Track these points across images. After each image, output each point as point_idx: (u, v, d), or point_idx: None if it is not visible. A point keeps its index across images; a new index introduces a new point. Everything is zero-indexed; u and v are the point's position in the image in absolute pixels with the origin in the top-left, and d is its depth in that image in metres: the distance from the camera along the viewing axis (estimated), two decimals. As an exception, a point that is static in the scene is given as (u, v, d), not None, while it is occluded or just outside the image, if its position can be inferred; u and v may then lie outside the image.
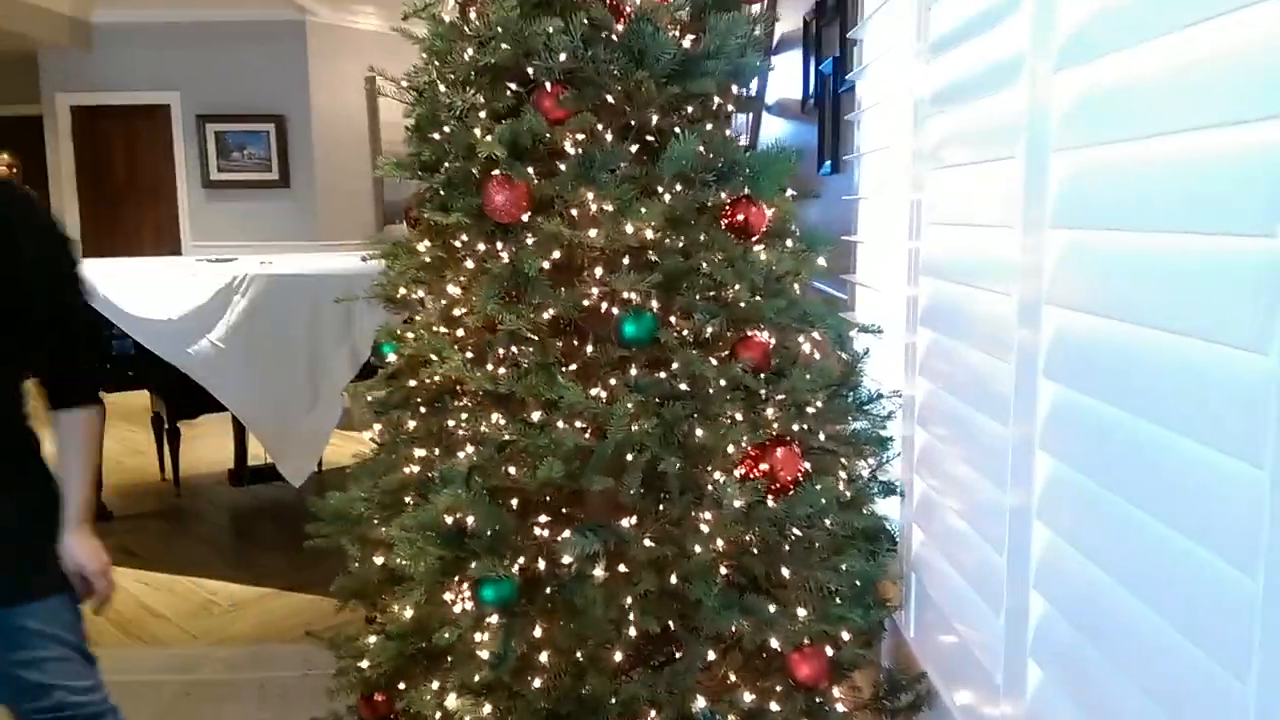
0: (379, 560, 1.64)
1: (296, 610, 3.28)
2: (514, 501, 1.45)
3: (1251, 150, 0.74)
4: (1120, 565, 0.91)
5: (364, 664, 1.59)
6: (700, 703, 1.41)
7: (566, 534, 1.36)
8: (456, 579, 1.42)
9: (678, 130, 1.43)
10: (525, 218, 1.45)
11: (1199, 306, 0.80)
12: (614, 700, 1.39)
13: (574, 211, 1.46)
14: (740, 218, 1.44)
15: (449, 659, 1.50)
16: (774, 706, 1.43)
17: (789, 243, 1.56)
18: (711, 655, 1.45)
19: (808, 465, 1.43)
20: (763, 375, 1.45)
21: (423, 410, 1.67)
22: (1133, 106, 0.92)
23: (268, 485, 4.46)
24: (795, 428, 1.48)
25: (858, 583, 1.48)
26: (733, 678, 1.49)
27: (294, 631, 3.05)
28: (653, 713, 1.39)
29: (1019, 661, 1.11)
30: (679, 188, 1.45)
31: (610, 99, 1.47)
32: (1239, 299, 0.75)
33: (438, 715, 1.43)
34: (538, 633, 1.42)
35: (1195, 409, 0.80)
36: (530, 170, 1.46)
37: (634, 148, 1.48)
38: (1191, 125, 0.82)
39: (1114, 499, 0.92)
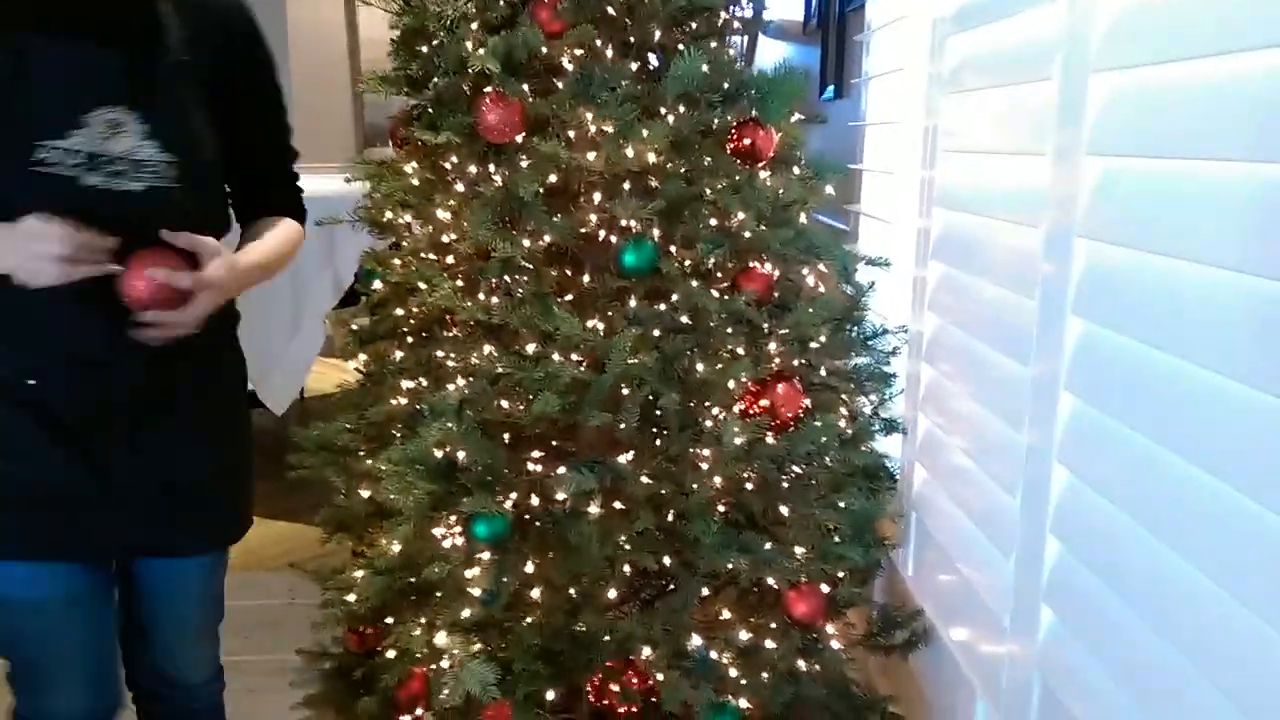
0: (365, 493, 1.59)
1: (279, 538, 3.25)
2: (506, 436, 1.40)
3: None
4: (1151, 511, 0.87)
5: (350, 597, 1.55)
6: (695, 640, 1.39)
7: (562, 470, 1.32)
8: (447, 514, 1.38)
9: (681, 47, 1.35)
10: (519, 138, 1.37)
11: (1246, 239, 0.75)
12: (607, 637, 1.37)
13: (571, 133, 1.38)
14: (746, 142, 1.37)
15: (438, 595, 1.46)
16: (769, 643, 1.41)
17: (795, 170, 1.49)
18: (706, 592, 1.43)
19: (809, 402, 1.39)
20: (765, 308, 1.40)
21: (410, 340, 1.61)
22: (1183, 26, 0.85)
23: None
24: (797, 363, 1.43)
25: (857, 521, 1.44)
26: (727, 615, 1.46)
27: (275, 560, 3.02)
28: (646, 649, 1.36)
29: (1031, 604, 1.09)
30: (682, 109, 1.37)
31: (611, 11, 1.38)
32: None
33: (426, 652, 1.40)
34: (530, 569, 1.38)
35: (1240, 348, 0.76)
36: (525, 88, 1.37)
37: (635, 65, 1.39)
38: (1247, 45, 0.76)
39: (1147, 442, 0.87)
